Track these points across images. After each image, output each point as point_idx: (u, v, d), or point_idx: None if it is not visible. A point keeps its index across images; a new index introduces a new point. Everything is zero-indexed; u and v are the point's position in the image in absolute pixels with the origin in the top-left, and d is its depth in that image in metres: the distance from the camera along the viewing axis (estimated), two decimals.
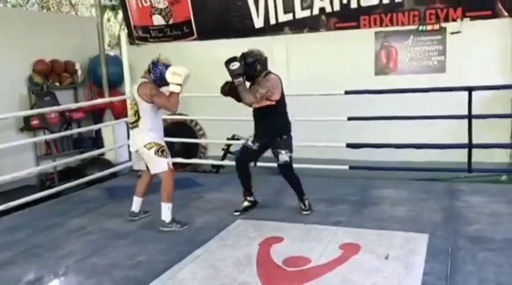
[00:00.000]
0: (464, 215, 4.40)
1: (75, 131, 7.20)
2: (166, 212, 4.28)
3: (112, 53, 8.41)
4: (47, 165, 6.70)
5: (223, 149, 7.21)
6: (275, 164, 6.34)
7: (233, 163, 6.52)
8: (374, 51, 6.66)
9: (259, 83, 4.44)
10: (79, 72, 7.81)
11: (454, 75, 6.24)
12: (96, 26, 7.59)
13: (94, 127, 7.31)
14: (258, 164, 6.03)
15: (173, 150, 7.29)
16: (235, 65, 4.34)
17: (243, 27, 7.21)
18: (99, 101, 7.04)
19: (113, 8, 11.89)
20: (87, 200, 5.49)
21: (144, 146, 4.27)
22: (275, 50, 7.09)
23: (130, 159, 6.95)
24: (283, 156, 4.53)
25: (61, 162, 6.70)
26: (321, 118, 6.07)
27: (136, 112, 4.28)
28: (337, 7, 6.64)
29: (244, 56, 4.46)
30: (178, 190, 5.53)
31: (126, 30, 8.29)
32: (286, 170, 4.62)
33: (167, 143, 7.22)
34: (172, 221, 4.29)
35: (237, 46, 7.21)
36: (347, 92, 5.68)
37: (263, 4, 7.01)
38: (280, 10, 6.94)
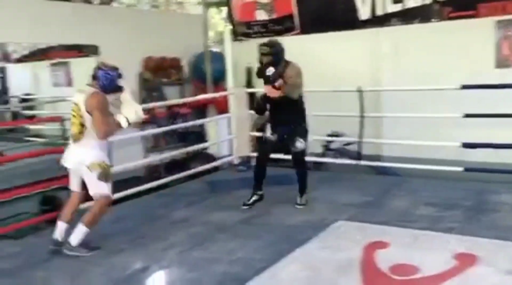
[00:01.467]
0: None
1: (181, 125, 7.45)
2: (78, 234, 3.71)
3: (215, 50, 8.59)
4: (155, 158, 7.00)
5: (323, 146, 7.03)
6: (380, 163, 6.10)
7: (334, 160, 6.38)
8: (495, 42, 6.03)
9: (287, 72, 4.45)
10: (185, 69, 8.08)
11: None
12: (202, 23, 7.77)
13: (198, 122, 7.51)
14: (362, 162, 5.84)
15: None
16: (271, 71, 4.35)
17: (347, 20, 6.93)
18: (203, 96, 7.22)
19: (218, 5, 12.16)
20: (190, 192, 5.63)
21: (87, 166, 3.68)
22: (382, 42, 6.76)
23: (231, 154, 7.06)
24: (301, 143, 4.56)
25: (167, 155, 6.97)
26: (433, 114, 5.63)
27: (81, 124, 3.67)
28: None
29: (269, 45, 4.52)
30: (275, 186, 5.51)
31: (229, 27, 8.40)
32: (300, 158, 4.69)
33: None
34: (80, 246, 3.74)
35: (340, 39, 7.05)
36: (464, 87, 5.20)
37: None
38: (389, 0, 6.56)
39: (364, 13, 6.84)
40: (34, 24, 6.40)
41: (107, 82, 3.72)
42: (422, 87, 5.73)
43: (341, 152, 6.69)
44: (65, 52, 10.01)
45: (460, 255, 3.37)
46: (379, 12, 6.68)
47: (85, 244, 3.75)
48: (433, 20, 6.33)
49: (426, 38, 6.39)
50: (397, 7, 6.52)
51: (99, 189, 3.73)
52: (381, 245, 3.62)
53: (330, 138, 6.82)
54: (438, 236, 3.78)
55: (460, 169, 5.19)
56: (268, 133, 4.67)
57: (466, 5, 6.06)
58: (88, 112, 3.64)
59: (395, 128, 6.30)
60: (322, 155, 6.97)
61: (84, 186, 3.82)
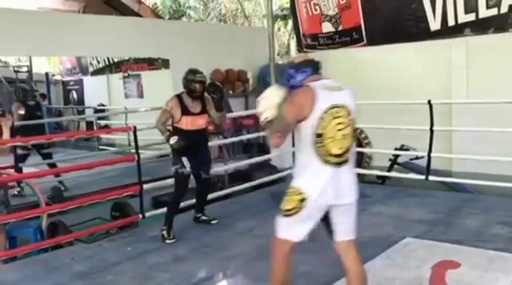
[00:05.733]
0: None
1: (244, 137, 7.53)
2: None
3: (280, 62, 8.65)
4: (220, 168, 7.11)
5: (390, 160, 6.85)
6: (450, 179, 5.85)
7: (401, 175, 6.18)
8: None
9: (210, 103, 4.68)
10: (250, 81, 8.19)
11: None
12: (268, 36, 7.85)
13: (262, 133, 7.55)
14: (431, 178, 5.61)
15: None
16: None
17: (417, 31, 6.77)
18: None
19: (284, 18, 12.30)
20: (253, 203, 5.67)
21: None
22: (453, 54, 6.53)
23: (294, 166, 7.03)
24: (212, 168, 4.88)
25: (232, 166, 7.06)
26: (506, 129, 5.33)
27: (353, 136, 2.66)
28: None
29: (202, 73, 4.57)
30: None
31: (295, 39, 8.45)
32: (210, 181, 4.94)
33: None
34: None
35: (410, 50, 6.88)
36: None
37: (441, 5, 6.47)
38: (461, 10, 6.33)
39: (435, 23, 6.64)
40: (109, 38, 6.74)
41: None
42: (495, 100, 5.44)
43: (408, 167, 6.48)
44: (137, 65, 10.53)
45: None
46: (451, 22, 6.47)
47: None
48: (510, 30, 6.03)
49: (501, 48, 6.10)
50: (470, 17, 6.28)
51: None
52: (452, 265, 3.45)
53: (396, 152, 6.64)
54: None
55: None
56: (188, 168, 4.46)
57: None
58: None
59: (466, 142, 6.05)
60: (389, 169, 6.79)
61: None
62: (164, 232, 4.40)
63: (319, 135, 2.48)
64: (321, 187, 2.53)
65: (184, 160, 4.44)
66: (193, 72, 4.50)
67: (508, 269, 3.37)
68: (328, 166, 2.52)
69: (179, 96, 4.49)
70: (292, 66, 2.70)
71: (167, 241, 4.35)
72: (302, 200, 2.55)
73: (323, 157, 2.50)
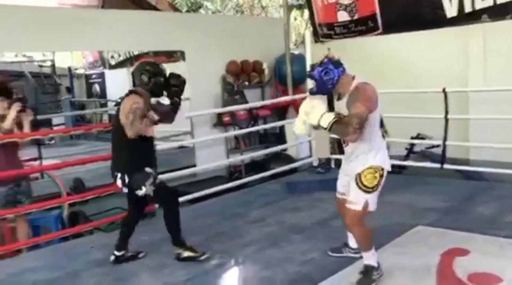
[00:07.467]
0: None
1: (261, 127, 7.60)
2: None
3: (296, 52, 8.64)
4: (236, 158, 7.22)
5: (406, 148, 6.82)
6: (465, 167, 5.80)
7: (416, 163, 6.16)
8: None
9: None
10: (266, 71, 8.23)
11: None
12: (283, 26, 7.86)
13: (278, 123, 7.61)
14: (446, 166, 5.59)
15: None
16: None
17: (433, 18, 6.64)
18: (283, 99, 7.31)
19: (300, 7, 12.25)
20: (268, 193, 5.75)
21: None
22: (470, 41, 6.44)
23: (310, 155, 7.07)
24: None
25: (248, 156, 7.15)
26: None
27: None
28: None
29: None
30: None
31: (311, 29, 8.43)
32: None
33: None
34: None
35: (426, 38, 6.80)
36: None
37: None
38: None
39: (451, 10, 6.53)
40: (127, 32, 6.87)
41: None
42: None
43: (424, 155, 6.45)
44: (155, 57, 10.66)
45: None
46: (468, 8, 6.34)
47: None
48: None
49: None
50: (488, 3, 6.12)
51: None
52: (461, 252, 3.47)
53: (411, 141, 6.60)
54: None
55: None
56: (149, 187, 3.60)
57: None
58: None
59: (483, 130, 5.98)
60: (405, 158, 6.77)
61: None
62: (188, 253, 3.74)
63: (381, 120, 3.21)
64: (388, 159, 3.21)
65: (148, 169, 3.67)
66: (154, 64, 3.74)
67: None
68: (384, 140, 3.22)
69: (138, 94, 3.60)
70: (332, 62, 3.10)
71: (202, 257, 3.72)
72: (382, 174, 3.13)
73: (382, 134, 3.20)
